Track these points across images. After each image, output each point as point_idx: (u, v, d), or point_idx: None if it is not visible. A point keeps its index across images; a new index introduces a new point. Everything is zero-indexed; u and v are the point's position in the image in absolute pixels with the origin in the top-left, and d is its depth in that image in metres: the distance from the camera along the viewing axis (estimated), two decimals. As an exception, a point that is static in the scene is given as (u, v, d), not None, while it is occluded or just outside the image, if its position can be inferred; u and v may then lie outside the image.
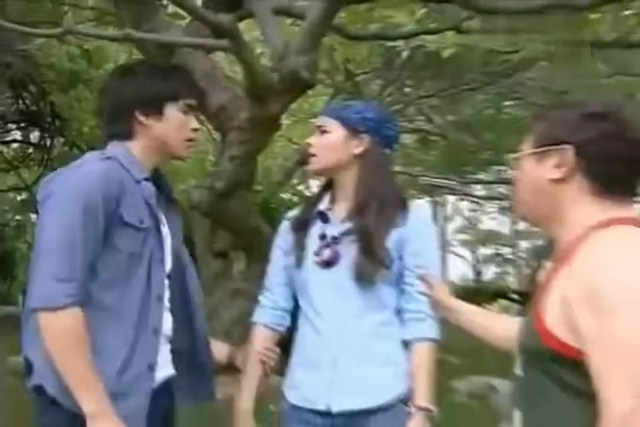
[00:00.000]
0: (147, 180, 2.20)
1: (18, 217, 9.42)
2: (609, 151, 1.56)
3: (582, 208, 1.58)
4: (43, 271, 2.03)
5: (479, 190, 18.15)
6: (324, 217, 2.41)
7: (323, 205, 2.42)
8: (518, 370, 1.63)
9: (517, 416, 1.61)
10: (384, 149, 2.40)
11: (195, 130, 2.28)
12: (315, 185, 13.44)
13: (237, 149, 4.68)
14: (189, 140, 2.28)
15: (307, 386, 2.34)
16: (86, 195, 2.05)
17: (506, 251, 30.59)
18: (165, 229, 2.25)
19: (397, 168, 14.68)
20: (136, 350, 2.11)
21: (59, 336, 2.00)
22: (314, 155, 2.38)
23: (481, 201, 19.93)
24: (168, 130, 2.23)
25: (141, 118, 2.22)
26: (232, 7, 4.91)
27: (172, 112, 2.23)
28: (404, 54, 7.17)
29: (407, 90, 8.70)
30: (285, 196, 8.87)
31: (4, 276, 9.04)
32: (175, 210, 2.35)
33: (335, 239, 2.36)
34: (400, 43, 6.96)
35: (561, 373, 1.50)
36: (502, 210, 23.82)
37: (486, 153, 11.18)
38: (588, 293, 1.45)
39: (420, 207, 2.42)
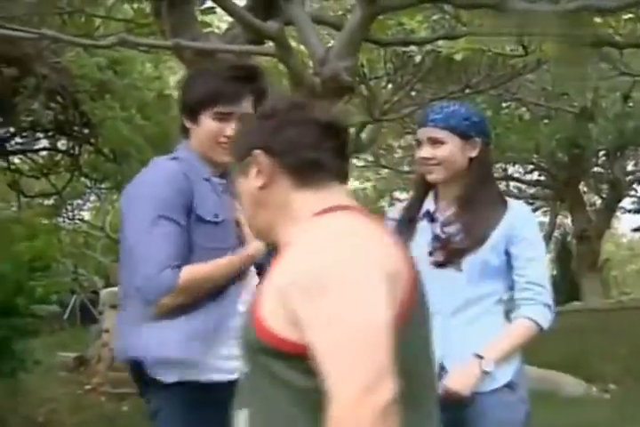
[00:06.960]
0: (214, 176, 2.15)
1: (46, 221, 9.22)
2: (290, 140, 1.45)
3: (296, 205, 1.46)
4: (140, 273, 2.02)
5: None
6: (431, 217, 2.29)
7: (429, 205, 2.31)
8: (245, 367, 1.45)
9: (242, 415, 1.42)
10: (488, 146, 2.31)
11: (227, 137, 2.14)
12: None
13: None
14: (223, 144, 2.16)
15: None
16: (158, 192, 2.02)
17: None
18: None
19: (407, 167, 14.55)
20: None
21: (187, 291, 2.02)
22: (436, 164, 2.27)
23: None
24: (202, 136, 2.18)
25: (187, 123, 2.19)
26: (267, 14, 4.78)
27: (206, 120, 2.16)
28: (417, 59, 7.01)
29: (417, 93, 8.54)
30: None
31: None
32: None
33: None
34: (413, 48, 6.80)
35: (275, 368, 1.34)
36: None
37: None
38: (296, 277, 1.32)
39: (519, 204, 2.35)
